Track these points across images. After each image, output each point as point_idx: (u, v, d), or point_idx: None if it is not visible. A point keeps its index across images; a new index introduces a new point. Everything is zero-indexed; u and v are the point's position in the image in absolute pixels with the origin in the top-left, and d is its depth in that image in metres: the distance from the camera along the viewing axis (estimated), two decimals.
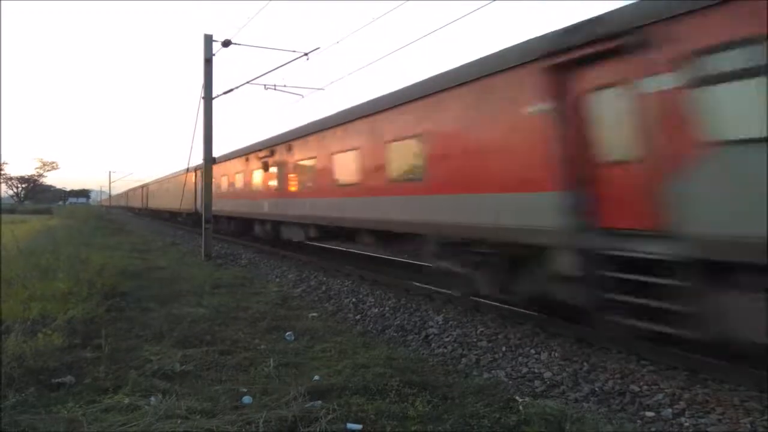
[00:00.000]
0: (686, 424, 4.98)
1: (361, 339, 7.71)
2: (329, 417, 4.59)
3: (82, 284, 9.83)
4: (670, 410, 5.25)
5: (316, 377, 5.72)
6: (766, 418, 4.94)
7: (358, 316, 9.78)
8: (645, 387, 5.80)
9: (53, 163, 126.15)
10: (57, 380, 5.55)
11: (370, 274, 13.17)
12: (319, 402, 4.93)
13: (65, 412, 4.72)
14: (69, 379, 5.61)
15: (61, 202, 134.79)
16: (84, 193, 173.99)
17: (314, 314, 9.34)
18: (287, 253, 18.55)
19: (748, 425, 4.87)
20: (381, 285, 12.24)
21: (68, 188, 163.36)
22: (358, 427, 4.53)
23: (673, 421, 5.06)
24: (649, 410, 5.33)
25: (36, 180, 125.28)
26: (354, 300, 10.97)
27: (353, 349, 6.93)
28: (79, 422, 4.50)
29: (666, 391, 5.65)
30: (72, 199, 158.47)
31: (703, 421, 4.99)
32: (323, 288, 12.42)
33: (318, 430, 4.41)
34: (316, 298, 11.42)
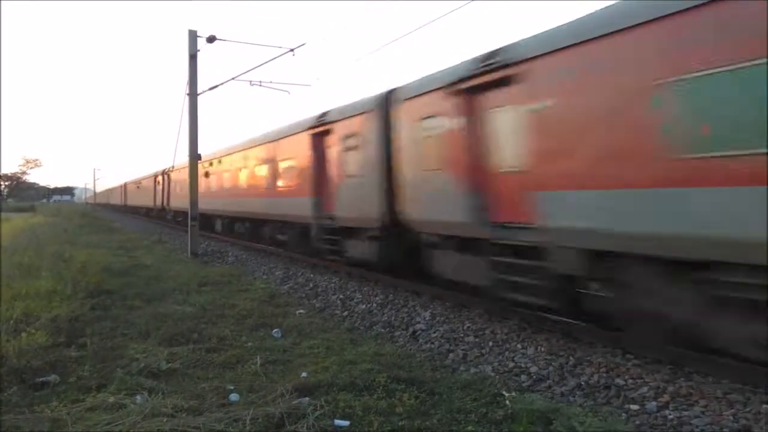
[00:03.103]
0: (670, 416, 5.03)
1: (348, 335, 7.71)
2: (317, 413, 4.59)
3: (66, 282, 9.75)
4: (654, 403, 5.30)
5: (304, 374, 5.72)
6: (748, 410, 5.01)
7: (345, 313, 9.77)
8: (630, 380, 5.86)
9: (36, 160, 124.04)
10: (41, 379, 5.50)
11: (357, 271, 13.15)
12: (307, 398, 4.92)
13: (49, 412, 4.68)
14: (53, 378, 5.56)
15: (44, 200, 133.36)
16: (68, 191, 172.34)
17: (301, 311, 9.32)
18: (274, 250, 18.48)
19: (731, 417, 4.93)
20: (368, 281, 12.24)
21: (52, 186, 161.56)
22: (346, 423, 4.53)
23: (658, 414, 5.11)
24: (633, 403, 5.38)
25: (19, 178, 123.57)
26: (341, 296, 10.96)
27: (340, 346, 6.93)
28: (63, 421, 4.46)
29: (650, 384, 5.71)
30: (56, 197, 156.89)
31: (686, 413, 5.05)
32: (310, 285, 12.40)
33: (305, 426, 4.40)
34: (304, 295, 11.40)
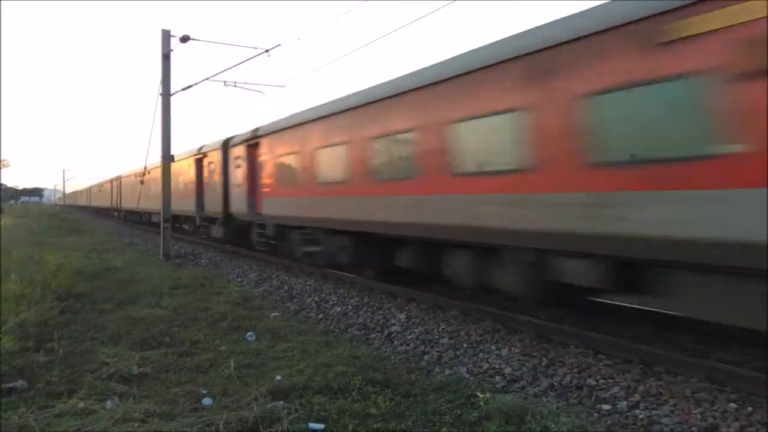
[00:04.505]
0: (641, 416, 5.12)
1: (323, 338, 7.69)
2: (291, 417, 4.57)
3: (36, 285, 9.55)
4: (625, 403, 5.39)
5: (278, 377, 5.68)
6: (716, 408, 5.12)
7: (320, 315, 9.73)
8: (601, 381, 5.95)
9: (4, 161, 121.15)
10: (8, 385, 5.38)
11: (332, 273, 13.12)
12: (281, 402, 4.90)
13: (16, 418, 4.58)
14: (20, 383, 5.44)
15: (12, 201, 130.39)
16: (37, 192, 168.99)
17: (276, 314, 9.27)
18: (248, 252, 18.34)
19: (699, 416, 5.04)
20: (344, 283, 12.22)
21: (20, 187, 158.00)
22: (321, 426, 4.52)
23: (628, 413, 5.19)
24: (605, 403, 5.46)
25: None
26: (316, 299, 10.92)
27: (315, 349, 6.91)
28: (31, 428, 4.37)
29: (621, 384, 5.80)
30: (24, 198, 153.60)
31: (656, 412, 5.14)
32: (285, 287, 12.33)
33: (280, 430, 4.38)
34: (278, 298, 11.33)
